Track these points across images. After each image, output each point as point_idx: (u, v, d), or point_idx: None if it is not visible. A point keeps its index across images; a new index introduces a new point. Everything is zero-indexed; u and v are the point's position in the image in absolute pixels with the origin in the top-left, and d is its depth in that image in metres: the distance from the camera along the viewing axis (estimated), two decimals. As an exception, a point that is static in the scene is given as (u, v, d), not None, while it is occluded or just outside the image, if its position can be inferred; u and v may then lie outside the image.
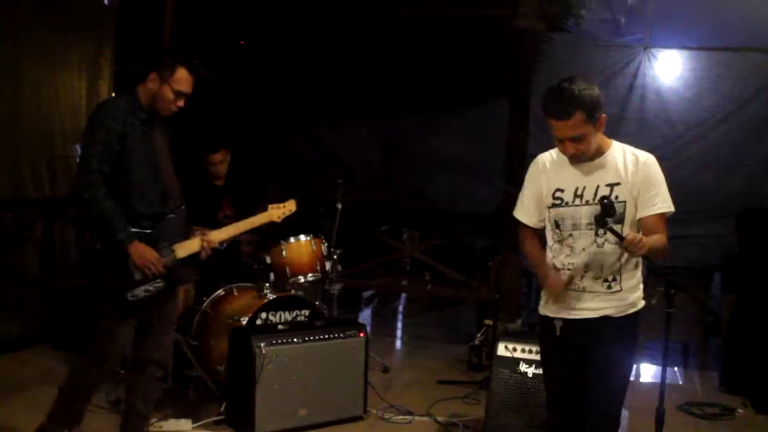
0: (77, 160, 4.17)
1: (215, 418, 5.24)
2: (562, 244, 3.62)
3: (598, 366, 3.58)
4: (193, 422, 5.18)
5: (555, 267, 3.64)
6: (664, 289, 3.56)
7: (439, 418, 5.54)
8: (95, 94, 7.53)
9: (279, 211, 4.81)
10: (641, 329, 3.72)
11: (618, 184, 3.52)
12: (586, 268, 3.56)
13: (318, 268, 6.08)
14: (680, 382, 7.01)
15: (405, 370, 6.94)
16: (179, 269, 4.30)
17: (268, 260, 6.04)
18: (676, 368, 7.41)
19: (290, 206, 4.85)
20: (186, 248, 4.29)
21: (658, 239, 3.47)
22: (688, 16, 7.80)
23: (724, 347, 6.89)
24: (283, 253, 5.99)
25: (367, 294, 10.59)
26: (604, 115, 3.46)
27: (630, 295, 3.61)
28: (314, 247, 6.08)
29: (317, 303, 6.04)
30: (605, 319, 3.57)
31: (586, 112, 3.37)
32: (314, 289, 6.53)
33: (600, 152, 3.55)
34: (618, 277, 3.57)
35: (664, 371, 3.79)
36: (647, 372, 7.35)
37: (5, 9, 6.51)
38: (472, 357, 6.87)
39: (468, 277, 8.23)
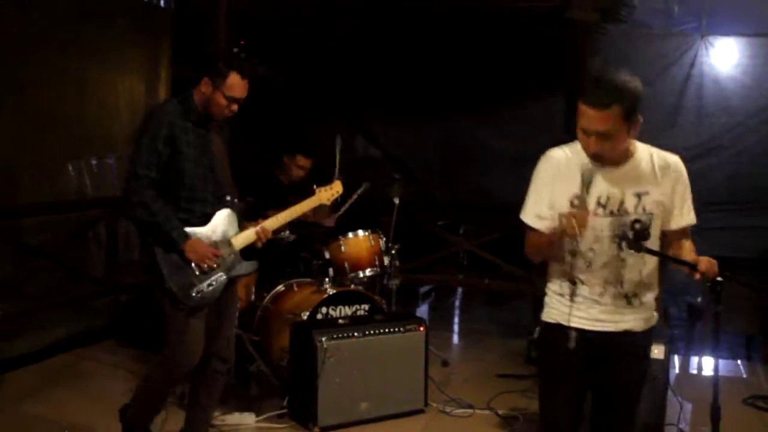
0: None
1: (278, 412, 5.32)
2: (575, 257, 3.18)
3: (615, 387, 3.29)
4: (257, 416, 5.27)
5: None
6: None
7: (500, 412, 5.54)
8: (154, 95, 7.66)
9: (327, 194, 4.76)
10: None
11: (647, 193, 3.14)
12: (605, 284, 3.18)
13: (376, 263, 6.13)
14: (744, 375, 6.93)
15: (464, 364, 6.96)
16: (240, 261, 4.33)
17: (327, 256, 6.10)
18: (739, 361, 7.31)
19: (337, 187, 4.80)
20: (243, 239, 4.33)
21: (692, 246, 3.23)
22: (742, 3, 7.68)
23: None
24: (342, 248, 6.05)
25: (423, 289, 10.60)
26: (640, 118, 3.03)
27: (650, 309, 3.28)
28: (372, 242, 6.14)
29: (376, 298, 6.09)
30: (627, 334, 3.22)
31: (625, 107, 2.96)
32: (373, 285, 6.57)
33: (627, 156, 3.15)
34: (639, 292, 3.21)
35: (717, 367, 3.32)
36: (709, 365, 7.27)
37: (70, 17, 6.66)
38: (531, 351, 6.84)
39: (525, 270, 8.18)
